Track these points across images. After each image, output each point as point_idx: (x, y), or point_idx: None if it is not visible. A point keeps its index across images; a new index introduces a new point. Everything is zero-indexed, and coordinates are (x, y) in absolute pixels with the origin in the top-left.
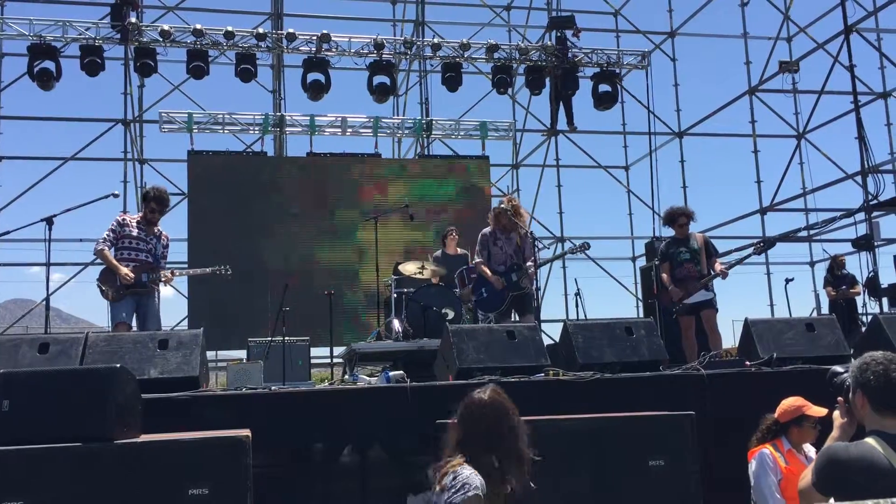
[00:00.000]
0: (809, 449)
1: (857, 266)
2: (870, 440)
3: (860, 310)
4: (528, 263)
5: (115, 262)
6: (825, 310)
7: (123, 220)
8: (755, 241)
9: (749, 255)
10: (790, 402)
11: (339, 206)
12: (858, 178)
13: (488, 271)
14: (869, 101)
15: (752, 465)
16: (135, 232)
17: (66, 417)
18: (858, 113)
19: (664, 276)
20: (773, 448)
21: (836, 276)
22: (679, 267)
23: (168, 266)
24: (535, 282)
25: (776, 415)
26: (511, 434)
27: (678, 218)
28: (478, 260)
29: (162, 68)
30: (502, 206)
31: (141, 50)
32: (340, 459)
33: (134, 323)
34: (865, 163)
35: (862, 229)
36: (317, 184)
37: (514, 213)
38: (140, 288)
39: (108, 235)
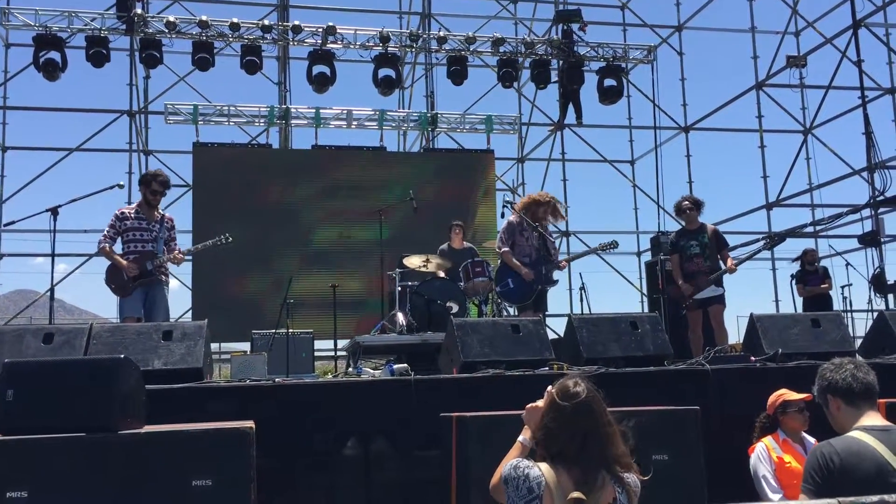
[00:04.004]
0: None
1: (863, 262)
2: (851, 433)
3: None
4: (560, 261)
5: (116, 257)
6: (799, 309)
7: (122, 213)
8: (763, 236)
9: (758, 251)
10: (773, 395)
11: (344, 198)
12: (865, 174)
13: (517, 262)
14: (876, 96)
15: (751, 460)
16: (135, 223)
17: (70, 408)
18: (865, 108)
19: (674, 269)
20: (770, 441)
21: (807, 272)
22: (688, 261)
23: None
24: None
25: (767, 410)
26: (601, 438)
27: (681, 203)
28: (504, 249)
29: (167, 60)
30: (541, 197)
31: (146, 41)
32: (344, 452)
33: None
34: (872, 159)
35: (868, 225)
36: (321, 176)
37: (553, 210)
38: (145, 278)
39: (108, 232)
